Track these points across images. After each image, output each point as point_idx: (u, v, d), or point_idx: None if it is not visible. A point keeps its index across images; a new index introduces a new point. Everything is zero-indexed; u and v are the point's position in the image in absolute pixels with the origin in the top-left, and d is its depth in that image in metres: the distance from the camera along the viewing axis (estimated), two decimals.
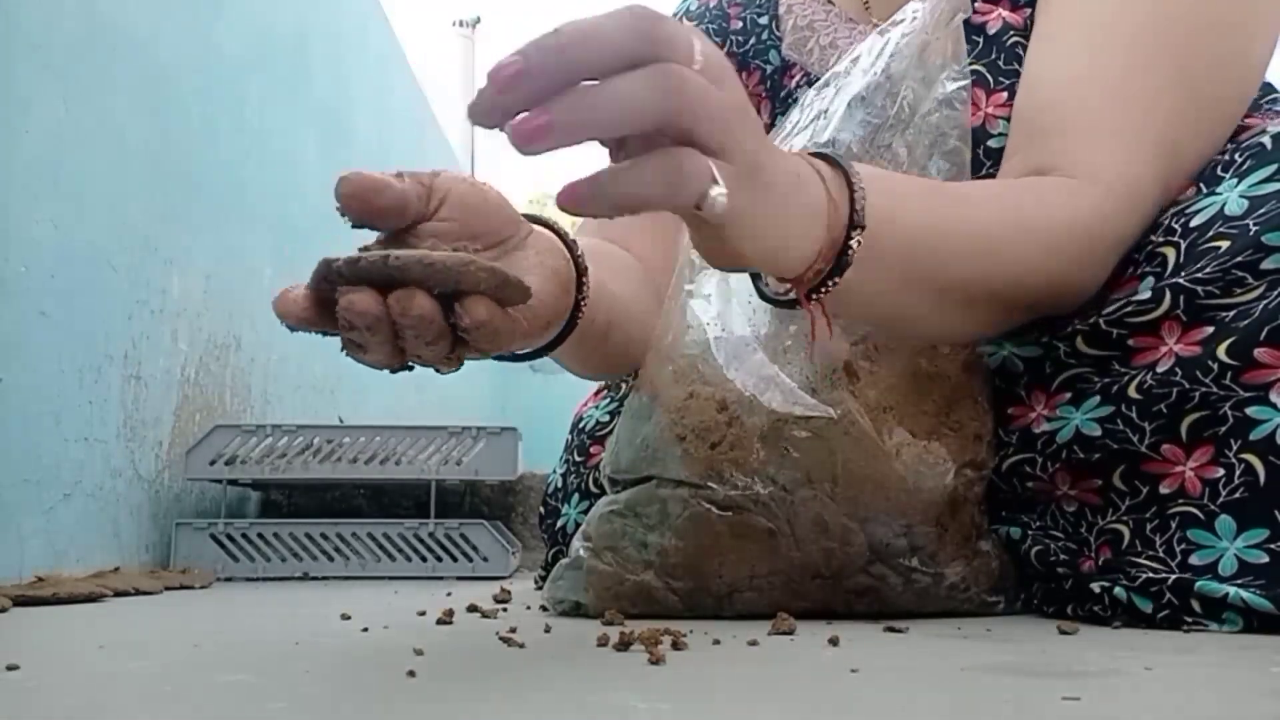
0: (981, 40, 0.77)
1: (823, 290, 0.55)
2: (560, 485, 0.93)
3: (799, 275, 0.54)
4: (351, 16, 2.23)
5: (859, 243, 0.53)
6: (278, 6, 1.77)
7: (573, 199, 0.43)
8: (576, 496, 0.90)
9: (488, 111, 0.41)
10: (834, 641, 0.52)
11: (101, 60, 1.17)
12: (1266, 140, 0.65)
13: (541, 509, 0.96)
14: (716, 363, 0.68)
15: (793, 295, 0.57)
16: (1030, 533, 0.69)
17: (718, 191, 0.44)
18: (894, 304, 0.60)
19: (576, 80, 0.41)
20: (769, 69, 0.90)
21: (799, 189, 0.51)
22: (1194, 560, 0.60)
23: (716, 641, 0.53)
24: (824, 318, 0.56)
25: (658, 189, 0.43)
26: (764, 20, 0.92)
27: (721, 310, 0.69)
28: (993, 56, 0.76)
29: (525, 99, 0.41)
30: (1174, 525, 0.62)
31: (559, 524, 0.92)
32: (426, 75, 2.96)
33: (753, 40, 0.92)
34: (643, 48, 0.42)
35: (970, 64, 0.75)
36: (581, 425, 0.93)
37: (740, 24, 0.93)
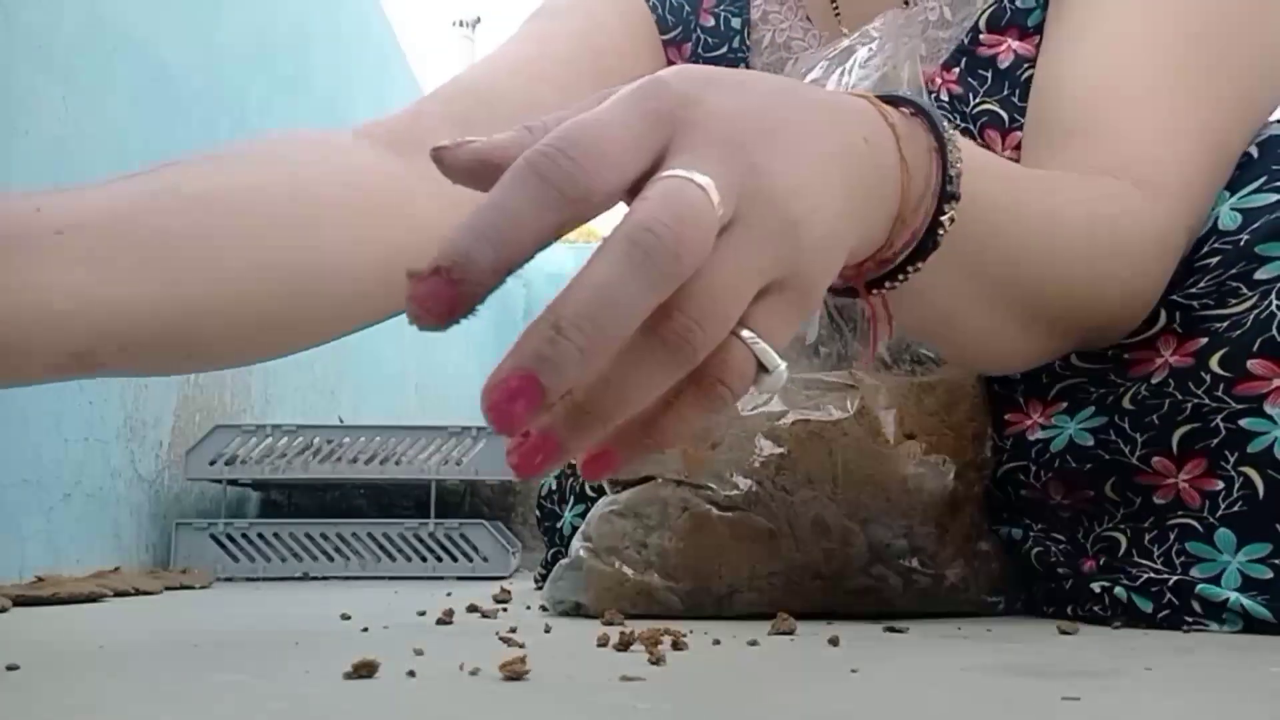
0: (991, 75, 0.71)
1: (890, 283, 0.45)
2: (555, 488, 0.93)
3: (860, 262, 0.43)
4: (351, 16, 2.23)
5: (952, 219, 0.43)
6: (278, 6, 1.77)
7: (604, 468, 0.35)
8: (573, 499, 0.90)
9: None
10: (834, 641, 0.52)
11: (101, 60, 1.17)
12: (1253, 150, 0.64)
13: (538, 511, 0.96)
14: None
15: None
16: (1031, 534, 0.69)
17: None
18: (949, 303, 0.51)
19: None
20: None
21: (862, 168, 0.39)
22: (1194, 573, 0.60)
23: (716, 641, 0.53)
24: (885, 312, 0.46)
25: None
26: (736, 24, 0.83)
27: None
28: (1006, 92, 0.70)
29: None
30: (1172, 537, 0.61)
31: (558, 526, 0.92)
32: (426, 75, 2.95)
33: (724, 48, 0.83)
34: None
35: (980, 102, 0.70)
36: None
37: (711, 20, 0.84)
